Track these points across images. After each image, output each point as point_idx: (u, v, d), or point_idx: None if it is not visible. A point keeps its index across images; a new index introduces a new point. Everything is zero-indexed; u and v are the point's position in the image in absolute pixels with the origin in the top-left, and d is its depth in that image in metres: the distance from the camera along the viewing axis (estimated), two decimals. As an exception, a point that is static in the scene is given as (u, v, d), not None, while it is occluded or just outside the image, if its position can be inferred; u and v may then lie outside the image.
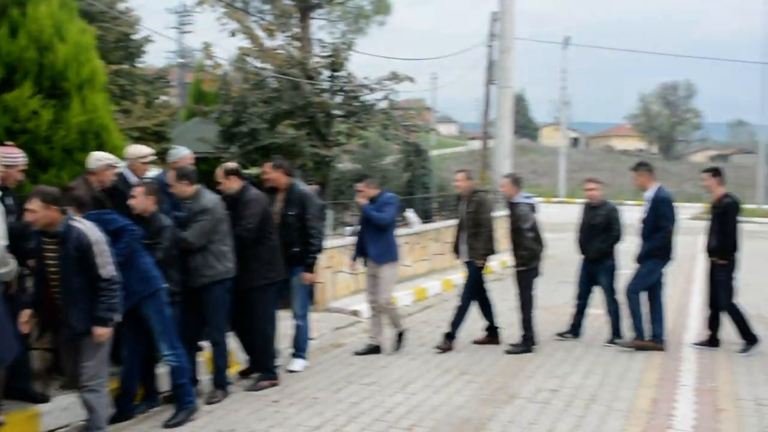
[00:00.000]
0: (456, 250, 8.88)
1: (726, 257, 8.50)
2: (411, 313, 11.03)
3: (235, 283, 6.81)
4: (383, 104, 16.92)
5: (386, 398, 6.81)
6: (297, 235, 7.35)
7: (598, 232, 8.91)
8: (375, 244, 8.24)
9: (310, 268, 7.52)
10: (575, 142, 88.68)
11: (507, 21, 20.08)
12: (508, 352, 8.46)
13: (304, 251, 7.40)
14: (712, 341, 8.78)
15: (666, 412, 6.49)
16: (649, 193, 8.57)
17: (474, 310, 8.85)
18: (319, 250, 7.62)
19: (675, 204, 8.58)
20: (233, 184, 7.03)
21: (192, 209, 6.53)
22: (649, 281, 8.55)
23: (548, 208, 30.95)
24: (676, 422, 6.23)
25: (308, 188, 7.80)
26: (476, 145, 44.52)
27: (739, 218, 8.56)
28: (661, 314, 8.67)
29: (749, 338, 8.56)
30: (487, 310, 8.92)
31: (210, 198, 6.65)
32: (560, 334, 9.22)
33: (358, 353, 8.39)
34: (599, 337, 9.02)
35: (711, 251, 8.62)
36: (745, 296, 12.30)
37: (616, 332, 8.94)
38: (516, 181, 8.80)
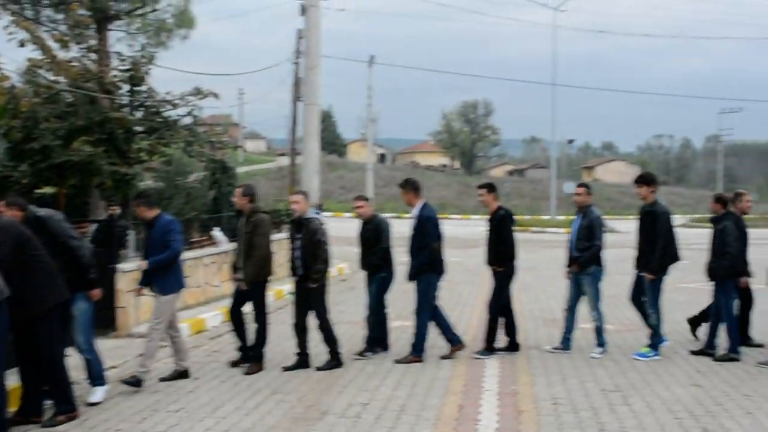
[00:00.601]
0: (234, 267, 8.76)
1: (503, 265, 8.98)
2: (220, 333, 10.73)
3: (12, 315, 6.22)
4: (187, 120, 16.48)
5: (195, 424, 6.55)
6: (62, 260, 6.80)
7: (370, 246, 9.13)
8: (159, 273, 7.86)
9: (90, 285, 7.05)
10: (382, 158, 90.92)
11: (313, 38, 20.18)
12: (319, 369, 8.42)
13: (76, 272, 6.89)
14: (512, 346, 9.21)
15: (472, 417, 6.70)
16: (415, 211, 8.82)
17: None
18: (90, 264, 7.01)
19: (439, 220, 8.87)
20: None
21: None
22: (431, 296, 8.83)
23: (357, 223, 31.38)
24: (481, 426, 6.44)
25: (45, 211, 7.17)
26: (285, 161, 44.44)
27: (514, 228, 9.08)
28: (446, 322, 9.04)
29: (490, 346, 9.02)
30: (241, 329, 8.72)
31: None
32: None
33: (163, 379, 8.03)
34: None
35: (490, 261, 9.07)
36: (542, 302, 13.10)
37: (369, 343, 9.13)
38: (307, 196, 8.86)
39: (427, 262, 8.70)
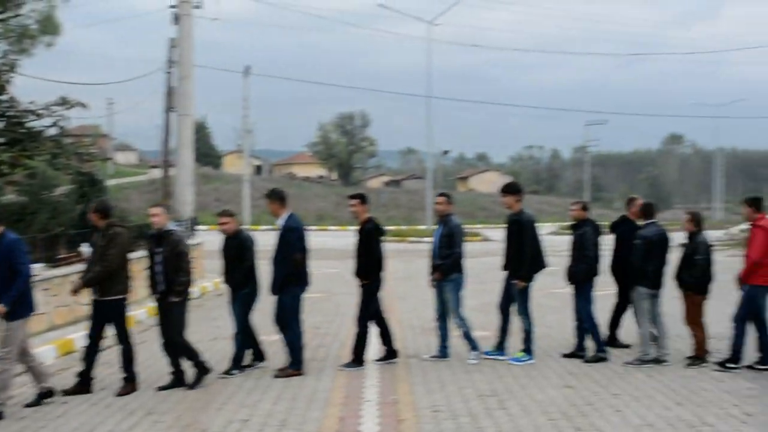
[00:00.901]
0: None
1: (369, 277, 8.99)
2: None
3: None
4: (52, 131, 15.79)
5: (63, 450, 6.23)
6: None
7: (233, 262, 8.88)
8: (6, 297, 7.29)
9: None
10: (259, 169, 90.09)
11: (185, 48, 19.79)
12: (192, 387, 8.16)
13: None
14: (390, 354, 9.25)
15: (353, 428, 6.69)
16: (280, 221, 8.70)
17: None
18: None
19: (305, 231, 8.73)
20: None
21: None
22: (296, 308, 8.69)
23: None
24: (363, 438, 6.44)
25: None
26: (158, 173, 43.29)
27: (382, 240, 9.07)
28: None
29: (358, 358, 8.97)
30: (92, 354, 8.23)
31: None
32: (247, 366, 9.04)
33: (29, 405, 7.60)
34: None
35: (357, 272, 9.06)
36: (419, 311, 13.24)
37: (236, 361, 8.84)
38: (168, 209, 8.57)
39: (292, 273, 8.57)
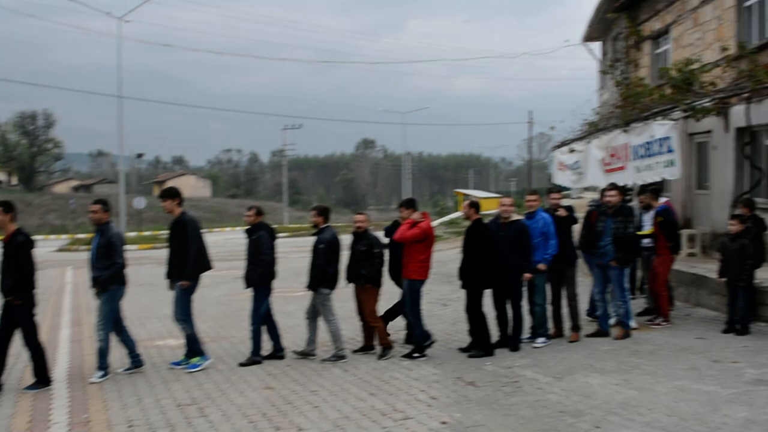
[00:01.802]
0: None
1: (22, 296, 8.22)
2: None
3: None
4: None
5: None
6: None
7: None
8: None
9: None
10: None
11: None
12: None
13: None
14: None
15: (38, 455, 6.17)
16: None
17: None
18: None
19: None
20: None
21: None
22: None
23: None
24: (50, 464, 5.96)
25: None
26: None
27: (33, 255, 8.36)
28: None
29: (42, 378, 8.37)
30: None
31: None
32: None
33: None
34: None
35: (7, 291, 8.24)
36: (146, 324, 12.53)
37: None
38: None
39: None
